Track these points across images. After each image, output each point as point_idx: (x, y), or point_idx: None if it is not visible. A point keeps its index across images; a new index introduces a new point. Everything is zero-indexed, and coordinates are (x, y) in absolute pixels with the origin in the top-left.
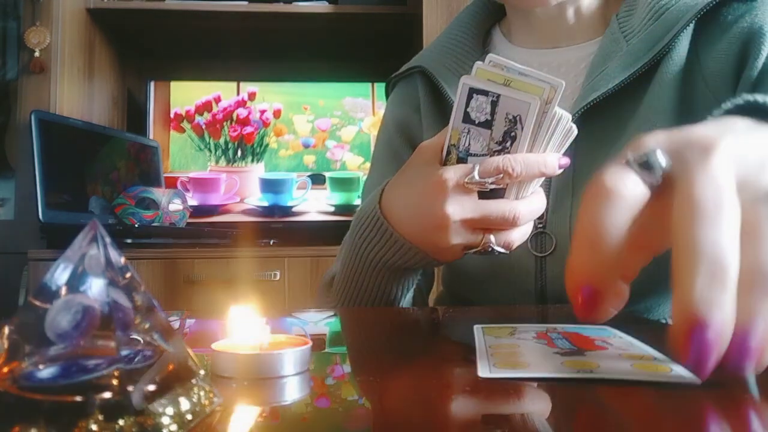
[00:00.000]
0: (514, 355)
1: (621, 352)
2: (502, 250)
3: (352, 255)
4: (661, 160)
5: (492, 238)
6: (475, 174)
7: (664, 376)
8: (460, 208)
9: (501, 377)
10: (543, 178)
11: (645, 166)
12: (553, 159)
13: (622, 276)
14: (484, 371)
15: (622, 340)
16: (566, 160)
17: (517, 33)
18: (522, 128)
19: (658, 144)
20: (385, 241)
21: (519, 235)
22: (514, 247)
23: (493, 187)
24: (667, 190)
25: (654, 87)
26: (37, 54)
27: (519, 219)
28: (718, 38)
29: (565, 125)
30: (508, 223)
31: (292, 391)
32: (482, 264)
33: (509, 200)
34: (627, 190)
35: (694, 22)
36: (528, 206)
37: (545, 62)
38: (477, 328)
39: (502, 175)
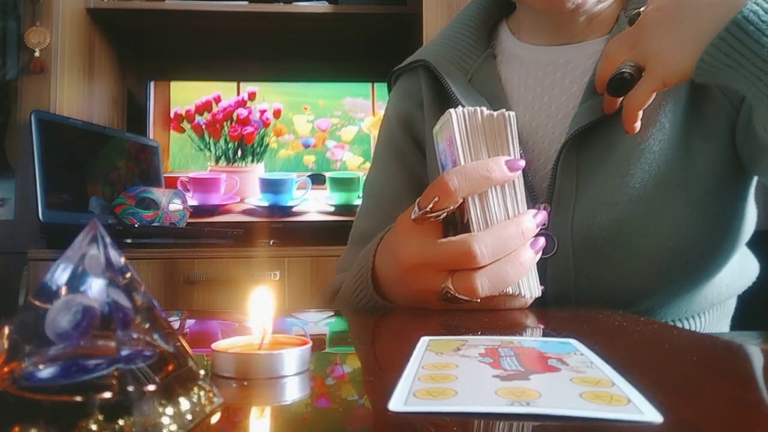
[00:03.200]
0: (446, 379)
1: (574, 376)
2: (465, 297)
3: (349, 291)
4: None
5: (449, 282)
6: (415, 206)
7: (616, 410)
8: (415, 249)
9: (414, 411)
10: (517, 200)
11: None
12: (497, 160)
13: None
14: (396, 403)
15: (581, 358)
16: (520, 162)
17: (527, 30)
18: (457, 145)
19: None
20: (369, 294)
21: (488, 278)
22: (480, 292)
23: (437, 214)
24: None
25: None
26: (37, 54)
27: (478, 254)
28: None
29: (498, 120)
30: (466, 261)
31: (292, 391)
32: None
33: (471, 233)
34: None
35: None
36: (491, 237)
37: (552, 59)
38: (422, 341)
39: (437, 198)
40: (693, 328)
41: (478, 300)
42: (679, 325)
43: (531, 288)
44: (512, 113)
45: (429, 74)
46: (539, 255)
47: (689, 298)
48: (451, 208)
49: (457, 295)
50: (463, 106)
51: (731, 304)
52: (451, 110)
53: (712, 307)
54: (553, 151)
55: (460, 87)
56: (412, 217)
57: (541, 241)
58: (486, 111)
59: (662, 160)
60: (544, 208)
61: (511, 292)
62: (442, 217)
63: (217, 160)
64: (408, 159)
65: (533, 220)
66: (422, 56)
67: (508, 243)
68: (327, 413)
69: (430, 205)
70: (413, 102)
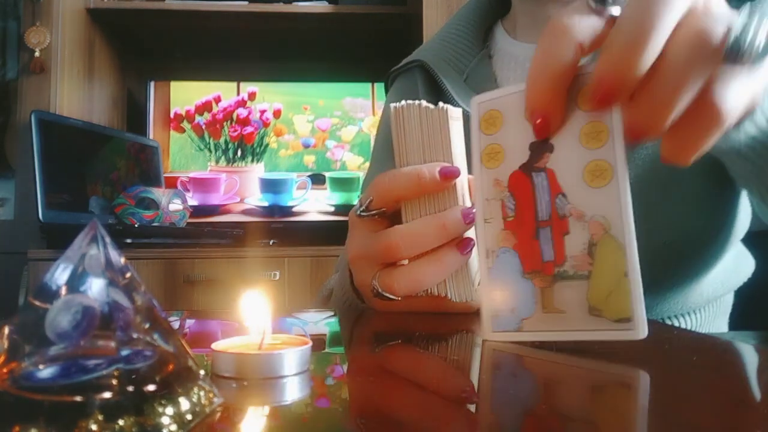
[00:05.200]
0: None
1: None
2: (389, 296)
3: (338, 295)
4: None
5: (377, 276)
6: (357, 201)
7: None
8: (357, 241)
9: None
10: (457, 203)
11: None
12: (432, 167)
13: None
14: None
15: None
16: (455, 169)
17: (522, 28)
18: (393, 141)
19: None
20: (350, 295)
21: (406, 276)
22: (396, 289)
23: (371, 213)
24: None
25: None
26: (37, 54)
27: (397, 247)
28: None
29: (435, 114)
30: (387, 253)
31: (292, 391)
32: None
33: (394, 226)
34: (579, 24)
35: None
36: (408, 228)
37: None
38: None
39: (371, 198)
40: (690, 325)
41: (398, 298)
42: (677, 322)
43: (461, 292)
44: (455, 108)
45: (425, 74)
46: (468, 256)
47: (685, 293)
48: (384, 210)
49: (380, 291)
50: (461, 106)
51: (728, 301)
52: (393, 104)
53: (708, 304)
54: None
55: (455, 86)
56: (356, 213)
57: (471, 242)
58: (424, 104)
59: (657, 156)
60: None
61: (436, 293)
62: (376, 216)
63: (217, 160)
64: None
65: (459, 215)
66: (418, 57)
67: (425, 235)
68: (327, 413)
69: (366, 205)
70: None
